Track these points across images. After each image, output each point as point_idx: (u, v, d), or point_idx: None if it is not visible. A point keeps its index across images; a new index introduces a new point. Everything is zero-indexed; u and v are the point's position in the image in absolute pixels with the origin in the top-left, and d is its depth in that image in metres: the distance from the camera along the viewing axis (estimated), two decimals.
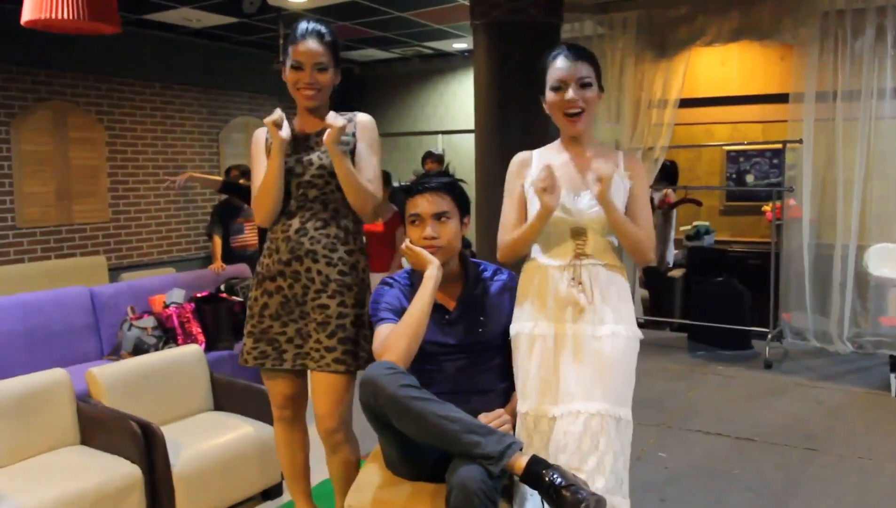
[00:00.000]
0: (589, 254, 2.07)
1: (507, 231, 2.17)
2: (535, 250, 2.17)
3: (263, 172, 2.34)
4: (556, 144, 2.22)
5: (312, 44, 2.29)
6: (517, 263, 2.27)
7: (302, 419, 2.61)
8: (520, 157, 2.24)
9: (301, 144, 2.38)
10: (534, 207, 2.09)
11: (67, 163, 6.33)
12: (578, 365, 1.99)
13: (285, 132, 2.30)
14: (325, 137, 2.25)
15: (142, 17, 6.24)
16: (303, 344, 2.37)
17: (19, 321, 3.92)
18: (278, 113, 2.31)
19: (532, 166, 2.18)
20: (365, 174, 2.35)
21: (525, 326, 2.10)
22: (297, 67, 2.31)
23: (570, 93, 2.06)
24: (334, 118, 2.25)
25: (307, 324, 2.35)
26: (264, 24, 6.60)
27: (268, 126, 2.29)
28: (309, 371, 2.41)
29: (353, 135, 2.39)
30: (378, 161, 2.42)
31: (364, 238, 2.51)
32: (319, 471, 3.28)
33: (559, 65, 2.08)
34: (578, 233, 2.08)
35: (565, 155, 2.16)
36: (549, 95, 2.11)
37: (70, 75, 6.32)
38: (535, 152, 2.23)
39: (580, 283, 2.05)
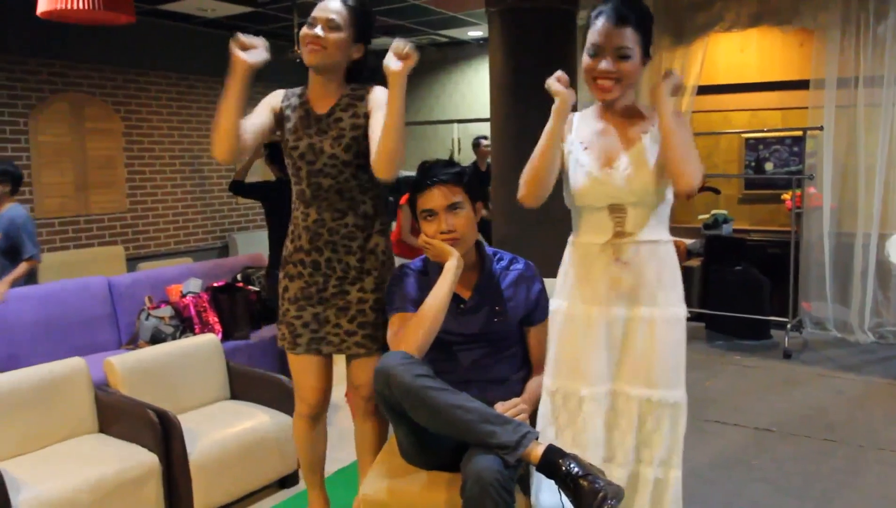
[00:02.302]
0: (629, 232, 1.95)
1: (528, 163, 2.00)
2: (578, 228, 2.05)
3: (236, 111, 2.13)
4: (595, 107, 2.05)
5: (332, 2, 2.21)
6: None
7: (324, 415, 2.60)
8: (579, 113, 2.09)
9: (312, 124, 2.28)
10: (574, 171, 1.97)
11: (85, 154, 6.37)
12: (612, 347, 1.95)
13: (255, 57, 2.08)
14: (395, 66, 2.01)
15: (156, 7, 6.25)
16: (318, 329, 2.35)
17: (38, 310, 3.96)
18: (255, 38, 2.10)
19: (573, 129, 2.04)
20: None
21: (562, 304, 2.03)
22: (310, 24, 2.21)
23: (604, 63, 1.88)
24: (402, 43, 2.03)
25: (326, 310, 2.34)
26: (279, 14, 6.59)
27: (233, 47, 2.08)
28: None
29: (364, 114, 2.26)
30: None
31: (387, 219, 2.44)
32: (335, 459, 3.30)
33: (598, 27, 1.88)
34: (616, 209, 1.95)
35: (601, 124, 2.00)
36: (585, 59, 1.92)
37: (86, 67, 6.35)
38: (576, 115, 2.07)
39: (625, 263, 1.94)
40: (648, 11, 1.94)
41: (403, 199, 5.06)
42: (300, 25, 2.36)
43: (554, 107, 1.93)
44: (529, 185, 1.96)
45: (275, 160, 4.56)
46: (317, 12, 2.22)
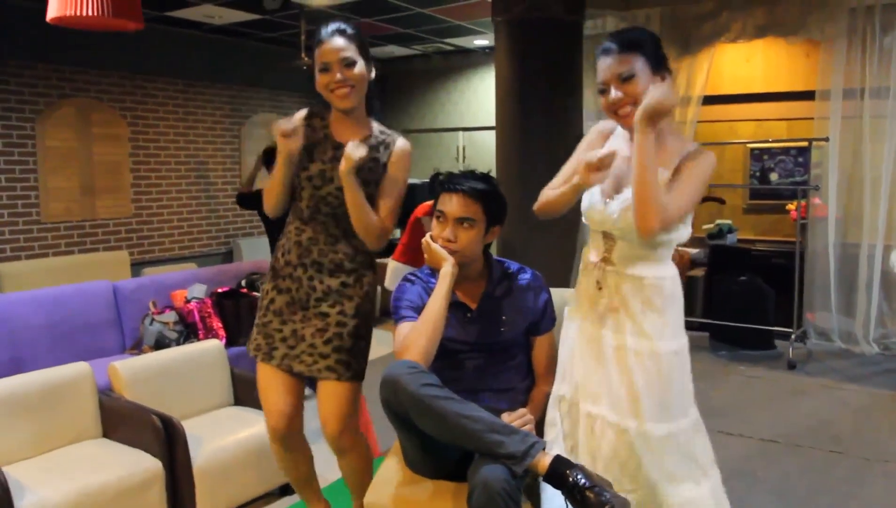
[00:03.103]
0: (613, 262, 1.97)
1: (553, 186, 2.05)
2: (587, 241, 2.13)
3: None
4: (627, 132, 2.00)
5: (336, 41, 2.22)
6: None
7: (298, 437, 2.48)
8: (604, 126, 2.09)
9: (328, 152, 2.29)
10: (586, 191, 2.01)
11: (91, 159, 6.39)
12: (598, 368, 1.96)
13: (295, 143, 2.21)
14: (341, 165, 2.15)
15: (164, 13, 6.27)
16: (294, 345, 2.32)
17: (43, 314, 3.96)
18: (295, 121, 2.22)
19: (610, 142, 2.05)
20: (386, 203, 2.28)
21: (573, 314, 2.09)
22: (324, 70, 2.22)
23: (612, 94, 1.90)
24: (354, 148, 2.13)
25: (304, 328, 2.31)
26: (286, 21, 6.61)
27: (275, 135, 2.19)
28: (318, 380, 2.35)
29: (384, 166, 2.30)
30: (403, 191, 2.33)
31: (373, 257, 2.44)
32: (334, 471, 3.29)
33: (600, 66, 1.94)
34: (608, 236, 1.99)
35: (626, 151, 1.96)
36: (599, 100, 1.98)
37: (94, 72, 6.37)
38: (614, 133, 2.07)
39: (601, 288, 1.98)
40: (647, 31, 1.98)
41: (418, 212, 4.90)
42: (307, 33, 2.39)
43: (574, 180, 1.92)
44: (541, 212, 2.07)
45: (271, 167, 4.56)
46: (327, 56, 2.21)
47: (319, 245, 2.31)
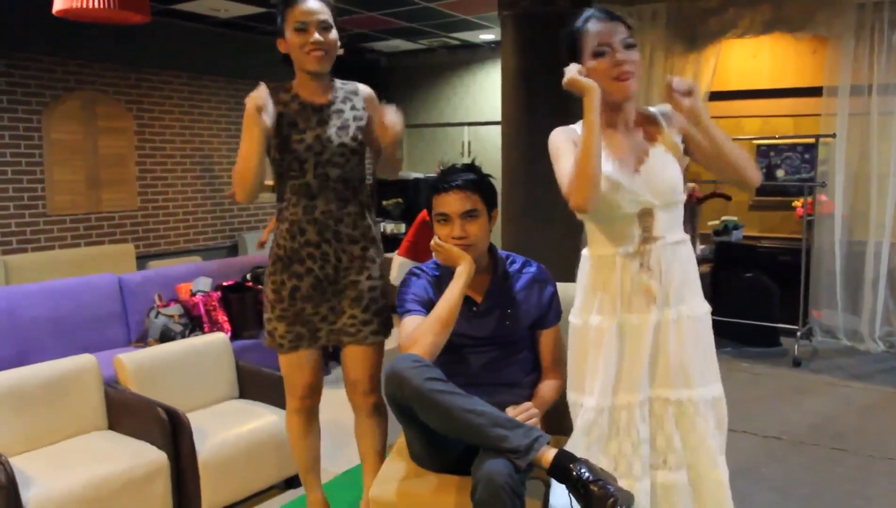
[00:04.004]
0: (658, 236, 1.90)
1: (568, 168, 1.86)
2: (599, 239, 1.97)
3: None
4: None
5: (313, 3, 2.25)
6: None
7: (317, 410, 2.63)
8: (563, 127, 2.03)
9: (314, 116, 2.31)
10: None
11: (96, 152, 6.40)
12: (651, 354, 1.90)
13: (268, 118, 2.19)
14: (388, 135, 2.21)
15: (170, 6, 6.27)
16: (336, 320, 2.39)
17: (49, 307, 3.98)
18: (262, 93, 2.19)
19: (577, 133, 1.96)
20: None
21: (593, 319, 1.93)
22: (301, 29, 2.24)
23: (621, 54, 1.85)
24: (393, 114, 2.20)
25: (340, 301, 2.37)
26: None
27: (249, 111, 2.16)
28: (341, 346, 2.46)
29: (363, 108, 2.40)
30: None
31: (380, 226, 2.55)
32: (340, 462, 3.30)
33: (597, 28, 1.88)
34: (645, 214, 1.89)
35: (609, 130, 1.94)
36: (592, 63, 1.87)
37: (99, 65, 6.38)
38: (578, 126, 1.98)
39: (650, 269, 1.90)
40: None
41: (426, 214, 4.88)
42: (277, 6, 2.38)
43: (585, 99, 1.83)
44: (583, 187, 1.79)
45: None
46: (305, 17, 2.24)
47: (335, 214, 2.34)
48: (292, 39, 2.26)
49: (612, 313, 1.92)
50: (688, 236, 1.99)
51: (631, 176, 1.89)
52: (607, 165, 1.88)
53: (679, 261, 1.93)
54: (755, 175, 1.92)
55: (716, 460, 1.91)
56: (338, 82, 2.42)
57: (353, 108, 2.38)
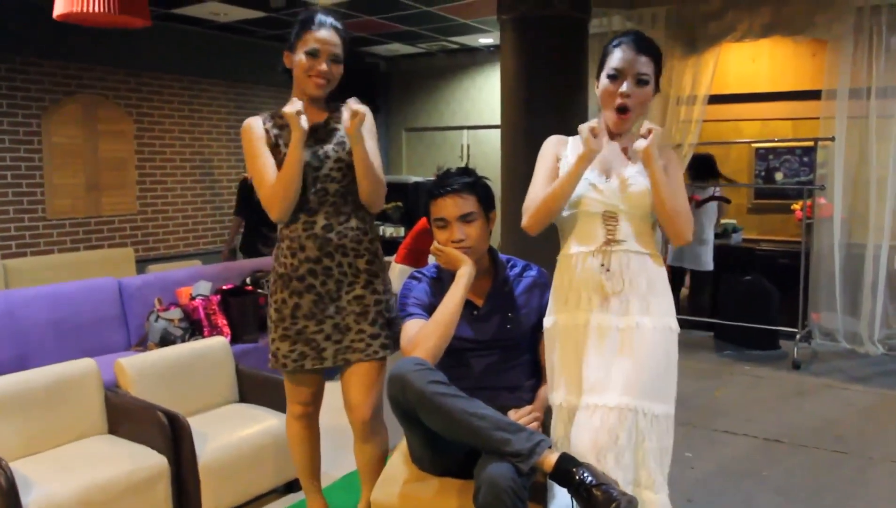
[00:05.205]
0: (620, 240, 1.99)
1: (538, 194, 2.04)
2: (567, 239, 2.08)
3: (267, 164, 2.30)
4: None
5: (331, 34, 2.29)
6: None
7: (317, 416, 2.63)
8: (555, 137, 2.16)
9: (310, 134, 2.34)
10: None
11: (96, 155, 6.40)
12: (601, 356, 1.93)
13: (305, 123, 2.25)
14: (349, 122, 2.21)
15: (170, 11, 6.28)
16: (342, 338, 2.36)
17: (49, 311, 3.97)
18: (299, 103, 2.26)
19: (568, 148, 2.11)
20: (375, 161, 2.34)
21: (555, 317, 2.05)
22: (312, 54, 2.28)
23: (626, 86, 1.97)
24: (356, 103, 2.23)
25: (344, 318, 2.35)
26: (292, 19, 6.60)
27: (288, 117, 2.24)
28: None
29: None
30: (377, 147, 2.40)
31: (381, 230, 2.53)
32: (341, 467, 3.30)
33: (620, 54, 1.99)
34: (610, 217, 1.99)
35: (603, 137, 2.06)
36: (604, 83, 2.01)
37: (100, 69, 6.38)
38: (571, 138, 2.15)
39: (608, 270, 1.97)
40: (659, 48, 2.06)
41: (421, 223, 4.87)
42: (300, 23, 2.41)
43: (579, 153, 1.96)
44: (539, 217, 2.01)
45: None
46: (320, 45, 2.29)
47: (335, 228, 2.33)
48: (300, 61, 2.30)
49: (573, 312, 1.99)
50: (657, 253, 2.04)
51: (604, 180, 2.00)
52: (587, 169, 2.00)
53: (647, 273, 1.98)
54: (684, 232, 1.97)
55: (651, 479, 1.88)
56: (329, 102, 2.43)
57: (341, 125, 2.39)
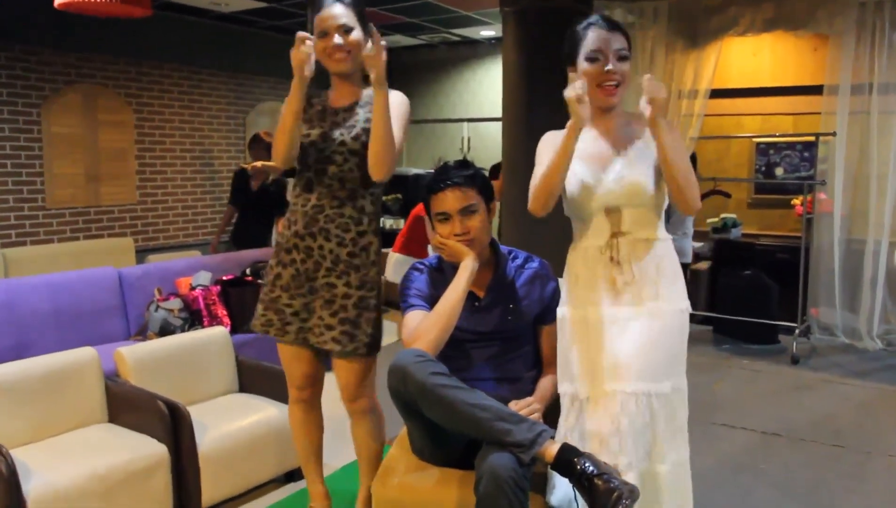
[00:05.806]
0: (625, 231, 2.01)
1: (536, 174, 2.05)
2: (578, 233, 2.11)
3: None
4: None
5: (335, 9, 2.30)
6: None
7: (318, 401, 2.64)
8: (553, 132, 2.15)
9: (327, 117, 2.38)
10: (569, 180, 2.03)
11: (96, 145, 6.39)
12: (614, 345, 1.94)
13: (309, 71, 2.24)
14: (375, 70, 2.15)
15: (171, 0, 6.26)
16: (307, 318, 2.38)
17: (48, 300, 3.97)
18: (308, 46, 2.23)
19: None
20: (394, 124, 2.28)
21: (568, 309, 2.06)
22: (323, 35, 2.30)
23: (610, 64, 1.99)
24: (378, 47, 2.15)
25: (314, 300, 2.37)
26: (293, 9, 6.60)
27: (293, 58, 2.21)
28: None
29: None
30: (400, 131, 2.32)
31: (381, 221, 2.51)
32: (342, 456, 3.30)
33: (595, 35, 2.02)
34: (612, 210, 2.01)
35: (593, 131, 2.09)
36: (585, 66, 2.02)
37: (100, 59, 6.36)
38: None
39: (618, 262, 1.99)
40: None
41: (420, 210, 4.88)
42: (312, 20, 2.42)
43: (569, 124, 1.96)
44: (542, 197, 2.01)
45: (252, 147, 5.38)
46: (325, 23, 2.30)
47: (325, 211, 2.34)
48: (317, 45, 2.31)
49: (585, 304, 2.01)
50: (667, 236, 2.06)
51: (599, 177, 2.01)
52: (581, 166, 2.02)
53: (655, 258, 2.01)
54: (693, 201, 1.97)
55: (661, 453, 1.92)
56: (368, 92, 2.38)
57: (369, 111, 2.34)
